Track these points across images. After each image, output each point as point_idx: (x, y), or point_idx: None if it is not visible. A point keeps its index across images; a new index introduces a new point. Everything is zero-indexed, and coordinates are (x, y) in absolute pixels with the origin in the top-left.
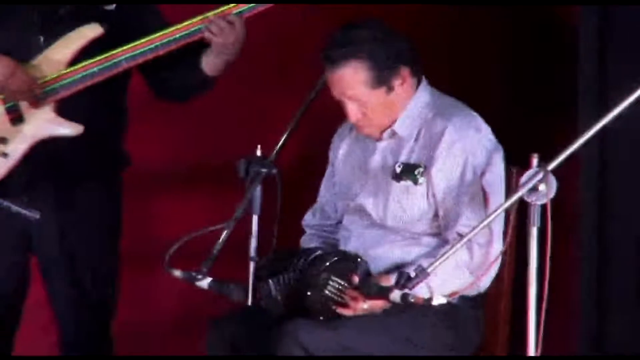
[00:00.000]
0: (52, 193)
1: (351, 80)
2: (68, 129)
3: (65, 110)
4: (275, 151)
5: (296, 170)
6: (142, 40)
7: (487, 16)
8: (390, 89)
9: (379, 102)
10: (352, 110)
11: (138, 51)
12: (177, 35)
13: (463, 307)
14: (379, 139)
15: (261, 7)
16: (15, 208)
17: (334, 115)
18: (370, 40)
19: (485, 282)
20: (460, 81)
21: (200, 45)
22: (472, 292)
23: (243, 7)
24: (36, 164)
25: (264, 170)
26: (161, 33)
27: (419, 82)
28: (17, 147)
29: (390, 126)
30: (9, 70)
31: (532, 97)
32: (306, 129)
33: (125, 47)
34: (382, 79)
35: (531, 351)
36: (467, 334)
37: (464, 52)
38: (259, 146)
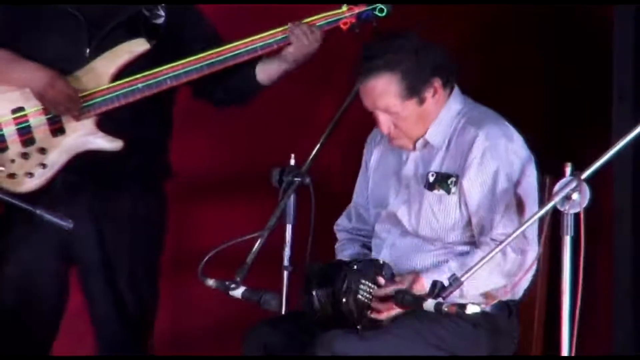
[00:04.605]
0: (95, 202)
1: (383, 92)
2: (108, 143)
3: (110, 120)
4: (308, 160)
5: (331, 179)
6: (189, 59)
7: (519, 23)
8: (422, 100)
9: (410, 113)
10: (384, 122)
11: (182, 70)
12: (222, 57)
13: (498, 315)
14: (413, 150)
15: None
16: (48, 217)
17: (368, 123)
18: (402, 51)
19: (520, 289)
20: (493, 89)
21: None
22: (506, 297)
23: (323, 20)
24: (81, 173)
25: (297, 179)
26: (207, 53)
27: (451, 91)
28: (57, 159)
29: (422, 135)
30: (49, 82)
31: (566, 104)
32: (341, 137)
33: (170, 65)
34: (413, 90)
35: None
36: (502, 341)
37: (497, 60)
38: (292, 155)
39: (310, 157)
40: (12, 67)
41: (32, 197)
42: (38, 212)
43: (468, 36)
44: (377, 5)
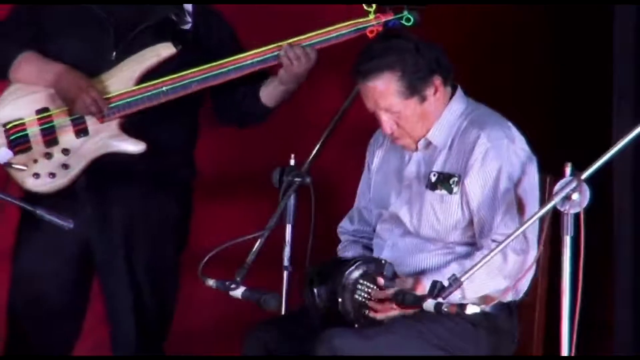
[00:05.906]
0: (116, 203)
1: (384, 91)
2: (131, 146)
3: (134, 122)
4: (308, 160)
5: (331, 179)
6: (214, 64)
7: (519, 23)
8: (423, 98)
9: (412, 112)
10: (386, 122)
11: (209, 74)
12: (249, 62)
13: (498, 315)
14: (415, 150)
15: (333, 41)
16: (48, 217)
17: (369, 123)
18: (400, 51)
19: (521, 289)
20: (493, 89)
21: (260, 77)
22: (508, 298)
23: (317, 39)
24: (103, 174)
25: (297, 179)
26: (233, 58)
27: (454, 91)
28: (79, 160)
29: (424, 135)
30: (74, 83)
31: (566, 104)
32: (341, 137)
33: (196, 70)
34: (414, 88)
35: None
36: (502, 340)
37: (497, 60)
38: (292, 155)
39: (310, 157)
40: (34, 66)
41: (53, 197)
42: (38, 212)
43: (468, 36)
44: (404, 14)
